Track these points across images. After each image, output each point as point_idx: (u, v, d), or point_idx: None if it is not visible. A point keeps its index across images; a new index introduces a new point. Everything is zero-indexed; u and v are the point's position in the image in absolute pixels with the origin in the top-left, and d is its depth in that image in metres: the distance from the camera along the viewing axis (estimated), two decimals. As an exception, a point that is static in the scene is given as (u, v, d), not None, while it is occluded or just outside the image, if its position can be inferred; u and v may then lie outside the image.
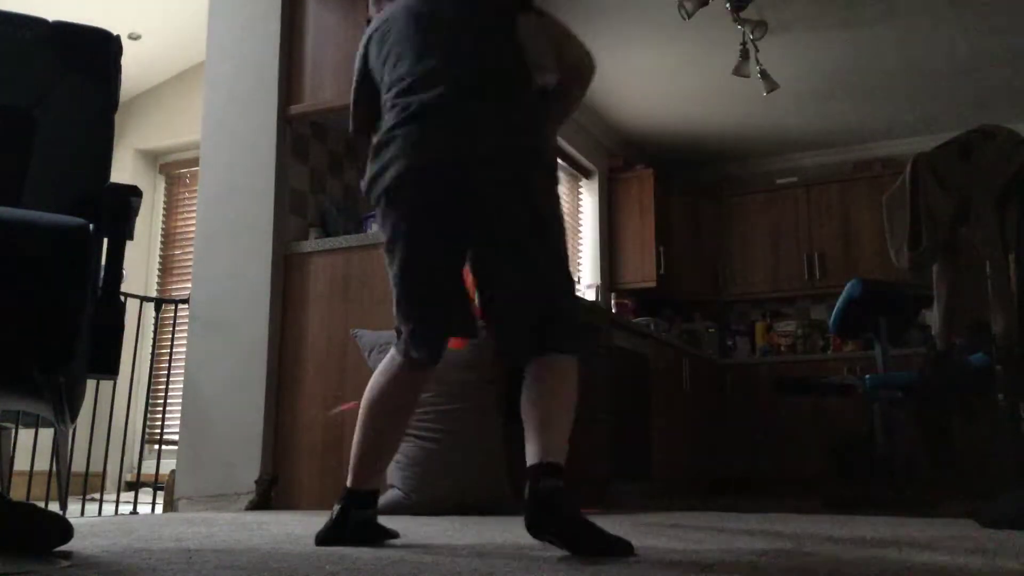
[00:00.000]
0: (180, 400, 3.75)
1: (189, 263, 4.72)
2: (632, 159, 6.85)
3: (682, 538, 2.09)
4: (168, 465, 4.09)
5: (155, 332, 5.04)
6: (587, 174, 6.51)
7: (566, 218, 6.22)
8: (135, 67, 5.53)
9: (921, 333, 5.58)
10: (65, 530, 1.57)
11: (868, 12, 4.93)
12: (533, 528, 1.67)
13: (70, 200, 1.62)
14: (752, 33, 4.85)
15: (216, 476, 3.49)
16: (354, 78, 2.14)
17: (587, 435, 4.07)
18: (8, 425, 2.14)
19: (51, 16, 1.79)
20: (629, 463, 4.65)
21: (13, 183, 1.67)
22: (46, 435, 2.58)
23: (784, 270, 6.72)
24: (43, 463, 3.75)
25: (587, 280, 6.29)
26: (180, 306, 4.04)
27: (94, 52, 1.79)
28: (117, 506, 4.06)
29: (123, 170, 5.77)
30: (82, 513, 3.63)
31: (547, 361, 1.84)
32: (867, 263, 6.34)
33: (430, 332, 1.95)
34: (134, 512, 3.70)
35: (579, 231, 6.39)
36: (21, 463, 3.55)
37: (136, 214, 1.58)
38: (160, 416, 4.24)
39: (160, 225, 5.93)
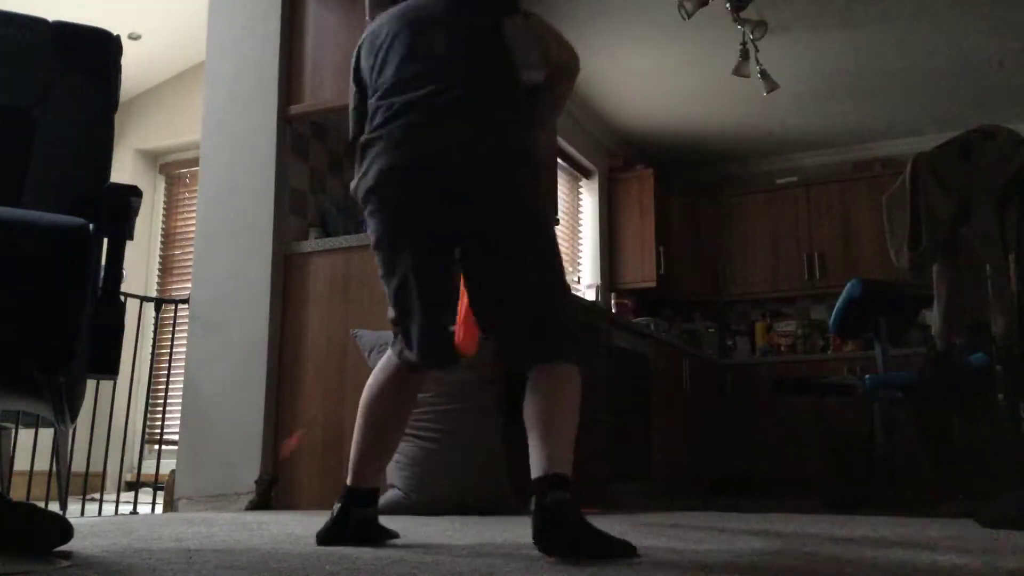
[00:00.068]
0: (180, 400, 3.75)
1: (189, 263, 4.72)
2: (632, 159, 6.85)
3: (682, 538, 2.09)
4: (168, 465, 4.09)
5: (155, 332, 5.04)
6: (587, 174, 6.51)
7: (566, 218, 6.23)
8: (135, 67, 5.53)
9: (921, 333, 5.58)
10: (65, 530, 1.57)
11: (868, 12, 4.93)
12: (543, 543, 1.64)
13: (70, 200, 1.62)
14: (752, 33, 4.85)
15: (216, 476, 3.49)
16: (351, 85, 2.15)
17: (587, 435, 4.05)
18: (8, 425, 2.14)
19: (51, 16, 1.79)
20: (629, 463, 4.65)
21: (13, 183, 1.67)
22: (46, 435, 2.58)
23: (784, 270, 6.72)
24: (43, 463, 3.74)
25: (587, 280, 6.29)
26: (180, 306, 4.04)
27: (94, 52, 1.79)
28: (117, 506, 4.05)
29: (123, 170, 5.77)
30: (82, 513, 3.63)
31: (548, 368, 1.82)
32: (867, 263, 6.34)
33: (422, 333, 1.94)
34: (134, 512, 3.70)
35: (579, 231, 6.39)
36: (21, 463, 3.55)
37: (136, 214, 1.58)
38: (160, 416, 4.24)
39: (160, 225, 5.93)
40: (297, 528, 2.34)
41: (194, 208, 4.17)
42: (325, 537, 1.91)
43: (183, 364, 3.74)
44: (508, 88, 1.97)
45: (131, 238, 1.55)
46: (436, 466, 3.03)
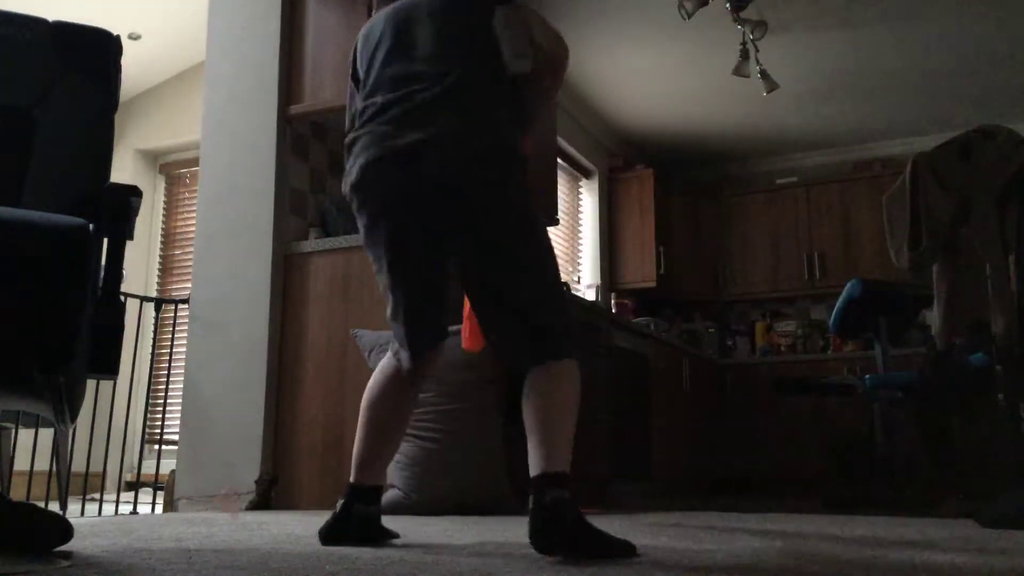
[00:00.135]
0: (180, 400, 3.75)
1: (189, 263, 4.72)
2: (632, 159, 6.86)
3: (682, 538, 2.09)
4: (168, 465, 4.09)
5: (155, 332, 5.04)
6: (587, 174, 6.51)
7: (566, 218, 6.22)
8: (135, 67, 5.53)
9: (921, 333, 5.59)
10: (65, 530, 1.57)
11: (868, 12, 4.93)
12: (540, 543, 1.63)
13: (70, 200, 1.62)
14: (752, 33, 4.85)
15: (216, 476, 3.49)
16: (348, 84, 2.15)
17: (587, 435, 4.06)
18: (8, 425, 2.14)
19: (51, 16, 1.79)
20: (629, 463, 4.65)
21: (13, 183, 1.67)
22: (46, 435, 2.58)
23: (784, 270, 6.72)
24: (43, 463, 3.75)
25: (587, 280, 6.29)
26: (180, 306, 4.04)
27: (94, 52, 1.79)
28: (117, 506, 4.05)
29: (123, 170, 5.77)
30: (82, 513, 3.63)
31: (545, 367, 1.81)
32: (867, 263, 6.34)
33: (412, 331, 1.94)
34: (134, 512, 3.70)
35: (579, 231, 6.39)
36: (21, 463, 3.55)
37: (136, 214, 1.58)
38: (160, 416, 4.24)
39: (160, 225, 5.93)
40: (297, 528, 2.34)
41: (194, 208, 4.17)
42: (328, 534, 1.91)
43: (183, 364, 3.74)
44: (501, 86, 1.94)
45: (131, 238, 1.55)
46: (436, 466, 3.03)
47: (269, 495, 3.43)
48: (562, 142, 5.79)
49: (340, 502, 1.94)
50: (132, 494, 4.28)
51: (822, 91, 5.94)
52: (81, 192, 1.67)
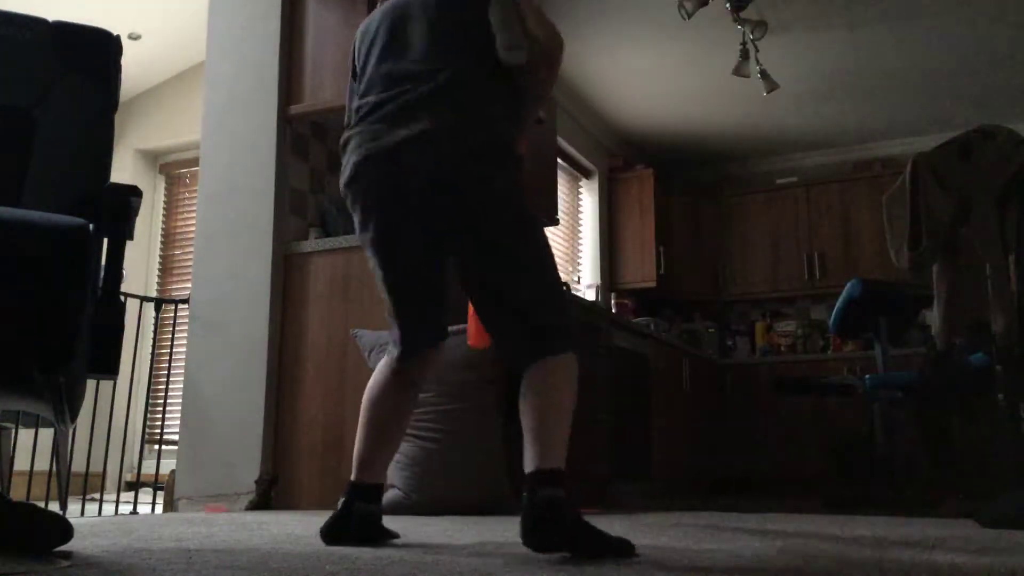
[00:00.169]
0: (180, 400, 3.75)
1: (189, 263, 4.72)
2: (632, 159, 6.86)
3: (682, 538, 2.09)
4: (168, 465, 4.09)
5: (155, 332, 5.04)
6: (587, 174, 6.51)
7: (566, 218, 6.22)
8: (135, 67, 5.53)
9: (921, 333, 5.59)
10: (65, 530, 1.57)
11: (868, 12, 4.93)
12: (532, 541, 1.61)
13: (70, 200, 1.62)
14: (752, 33, 4.85)
15: (216, 476, 3.49)
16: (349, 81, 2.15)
17: (587, 435, 4.07)
18: (8, 425, 2.14)
19: (51, 16, 1.79)
20: (629, 463, 4.65)
21: (13, 183, 1.67)
22: (46, 435, 2.58)
23: (784, 270, 6.72)
24: (43, 463, 3.75)
25: (587, 280, 6.29)
26: (180, 306, 4.04)
27: (94, 52, 1.79)
28: (117, 506, 4.06)
29: (123, 170, 5.77)
30: (82, 513, 3.63)
31: (543, 363, 1.79)
32: (867, 263, 6.34)
33: (404, 329, 1.94)
34: (134, 512, 3.70)
35: (579, 231, 6.39)
36: (21, 463, 3.55)
37: (136, 214, 1.58)
38: (160, 416, 4.24)
39: (160, 225, 5.94)
40: (297, 528, 2.34)
41: (194, 208, 4.17)
42: (329, 532, 1.91)
43: (183, 364, 3.74)
44: (497, 82, 1.92)
45: (131, 238, 1.55)
46: (436, 466, 3.03)
47: (269, 495, 3.43)
48: (562, 142, 5.79)
49: (341, 500, 1.95)
50: (132, 494, 4.28)
51: (822, 91, 5.94)
52: (81, 192, 1.68)
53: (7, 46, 1.74)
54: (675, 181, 7.13)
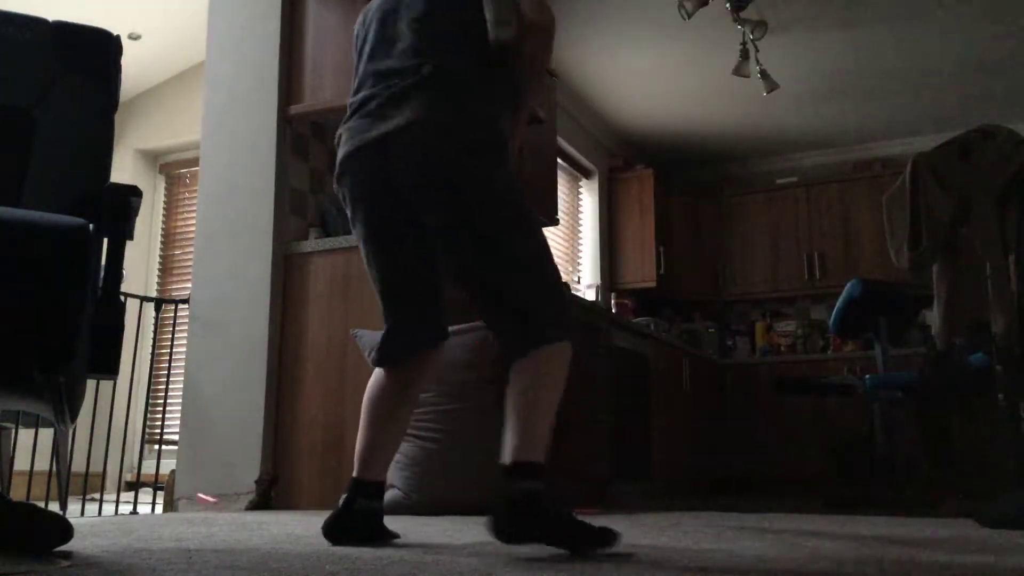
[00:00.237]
0: (180, 400, 3.75)
1: (189, 263, 4.72)
2: (632, 159, 6.86)
3: (682, 538, 2.09)
4: (168, 465, 4.09)
5: (155, 332, 5.04)
6: (587, 174, 6.51)
7: (566, 218, 6.21)
8: (135, 67, 5.53)
9: (921, 333, 5.59)
10: (65, 530, 1.57)
11: (868, 12, 4.93)
12: (504, 534, 1.61)
13: (70, 200, 1.62)
14: (752, 33, 4.85)
15: (216, 476, 3.49)
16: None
17: (587, 435, 4.07)
18: (8, 425, 2.14)
19: (51, 16, 1.79)
20: (629, 463, 4.65)
21: (13, 183, 1.68)
22: (46, 435, 2.58)
23: (784, 270, 6.72)
24: (43, 463, 3.75)
25: (587, 280, 6.29)
26: (180, 306, 4.04)
27: (94, 52, 1.79)
28: (117, 506, 4.06)
29: (123, 170, 5.77)
30: (82, 513, 3.63)
31: (534, 353, 1.79)
32: (867, 263, 6.34)
33: (392, 327, 1.94)
34: (134, 512, 3.70)
35: (579, 231, 6.39)
36: (21, 463, 3.55)
37: (136, 214, 1.58)
38: (160, 416, 4.24)
39: (160, 225, 5.94)
40: (297, 528, 2.34)
41: (194, 208, 4.17)
42: (331, 528, 1.90)
43: (183, 364, 3.74)
44: (487, 70, 1.90)
45: (131, 238, 1.55)
46: (436, 466, 3.03)
47: (269, 495, 3.43)
48: (562, 142, 5.79)
49: (343, 497, 1.95)
50: (132, 494, 4.28)
51: (822, 91, 5.94)
52: (81, 192, 1.68)
53: (7, 46, 1.74)
54: (675, 181, 7.13)
